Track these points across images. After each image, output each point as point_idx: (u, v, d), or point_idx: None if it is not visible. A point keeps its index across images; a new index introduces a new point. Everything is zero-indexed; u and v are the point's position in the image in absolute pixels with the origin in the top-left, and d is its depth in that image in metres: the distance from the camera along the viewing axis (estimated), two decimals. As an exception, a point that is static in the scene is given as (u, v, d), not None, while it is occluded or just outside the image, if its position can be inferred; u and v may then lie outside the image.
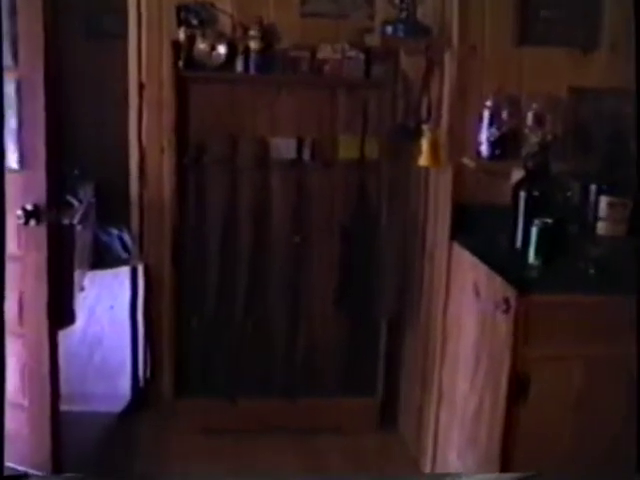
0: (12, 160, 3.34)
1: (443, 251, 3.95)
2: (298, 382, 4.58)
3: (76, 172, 5.67)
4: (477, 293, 3.57)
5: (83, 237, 5.33)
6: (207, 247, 4.41)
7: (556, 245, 3.38)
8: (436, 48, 3.92)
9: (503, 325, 3.27)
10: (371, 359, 4.60)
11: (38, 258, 3.35)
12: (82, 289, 5.03)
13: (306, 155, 4.33)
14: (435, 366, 4.07)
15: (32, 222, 3.23)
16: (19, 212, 3.19)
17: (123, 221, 5.05)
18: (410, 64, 4.18)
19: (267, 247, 4.45)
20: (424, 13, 4.01)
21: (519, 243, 3.54)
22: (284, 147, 4.32)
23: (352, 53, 4.22)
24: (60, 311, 3.67)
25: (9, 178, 3.35)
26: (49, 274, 3.38)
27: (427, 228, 4.19)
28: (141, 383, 4.72)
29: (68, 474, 3.61)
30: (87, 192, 5.70)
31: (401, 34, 3.97)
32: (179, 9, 4.21)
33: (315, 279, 4.51)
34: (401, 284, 4.48)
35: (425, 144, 3.88)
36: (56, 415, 3.60)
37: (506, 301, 3.22)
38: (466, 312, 3.73)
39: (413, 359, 4.45)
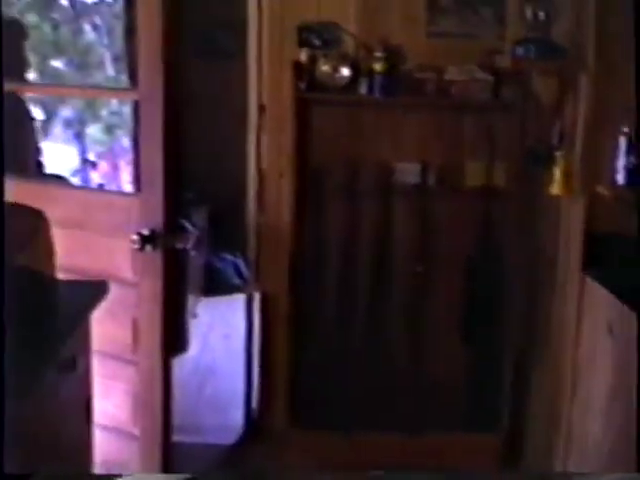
0: (125, 181, 3.29)
1: (574, 285, 3.77)
2: (417, 416, 4.44)
3: (191, 195, 5.63)
4: (611, 330, 3.38)
5: (197, 263, 5.29)
6: (325, 275, 4.34)
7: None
8: (570, 69, 3.76)
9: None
10: (496, 394, 4.44)
11: (153, 284, 3.26)
12: (195, 316, 4.98)
13: (431, 180, 4.23)
14: (565, 405, 3.88)
15: (148, 247, 3.14)
16: (135, 237, 3.10)
17: (238, 247, 4.99)
18: (542, 86, 4.02)
19: (388, 276, 4.35)
20: (559, 32, 3.85)
21: (658, 278, 3.35)
22: (408, 172, 4.22)
23: (480, 75, 4.10)
24: (173, 338, 3.60)
25: (123, 202, 3.32)
26: (164, 300, 3.30)
27: (557, 260, 4.01)
28: (254, 415, 4.60)
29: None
30: (201, 216, 5.66)
31: (533, 55, 3.84)
32: (301, 29, 4.14)
33: (438, 310, 4.39)
34: (529, 318, 4.31)
35: (557, 171, 3.73)
36: (167, 446, 3.51)
37: (643, 340, 3.02)
38: (599, 350, 3.54)
39: (540, 396, 4.26)
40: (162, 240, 3.18)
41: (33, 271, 2.47)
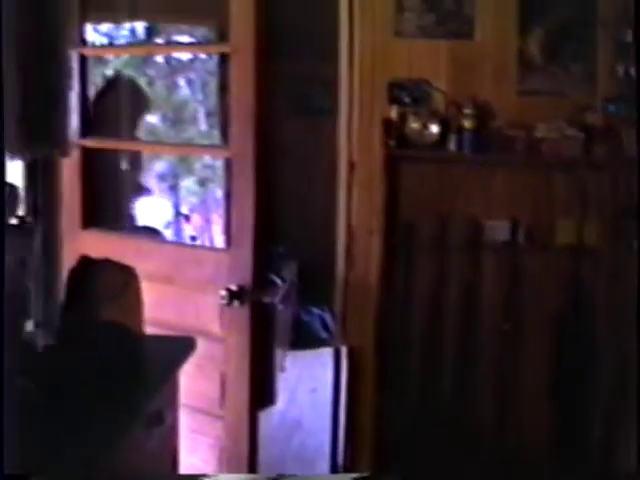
0: (217, 233, 3.32)
1: (667, 345, 3.68)
2: (504, 474, 4.33)
3: (280, 250, 5.66)
4: None
5: (284, 316, 5.30)
6: (412, 331, 4.31)
7: None
8: (663, 127, 3.71)
9: None
10: (586, 454, 4.33)
11: (240, 339, 3.28)
12: (283, 369, 4.98)
13: (521, 238, 4.19)
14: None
15: (235, 302, 3.16)
16: (223, 292, 3.13)
17: (325, 301, 4.99)
18: (634, 143, 3.96)
19: (474, 332, 4.31)
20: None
21: None
22: (498, 229, 4.20)
23: (571, 132, 4.06)
24: (261, 392, 3.60)
25: (213, 257, 3.36)
26: (251, 355, 3.31)
27: (650, 319, 3.92)
28: (340, 469, 4.56)
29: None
30: (290, 271, 5.67)
31: (625, 112, 3.79)
32: (391, 86, 4.16)
33: (525, 368, 4.32)
34: (620, 378, 4.20)
35: (651, 230, 3.66)
36: (253, 500, 3.51)
37: None
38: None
39: (631, 456, 4.14)
40: (249, 295, 3.20)
41: (121, 325, 2.51)
